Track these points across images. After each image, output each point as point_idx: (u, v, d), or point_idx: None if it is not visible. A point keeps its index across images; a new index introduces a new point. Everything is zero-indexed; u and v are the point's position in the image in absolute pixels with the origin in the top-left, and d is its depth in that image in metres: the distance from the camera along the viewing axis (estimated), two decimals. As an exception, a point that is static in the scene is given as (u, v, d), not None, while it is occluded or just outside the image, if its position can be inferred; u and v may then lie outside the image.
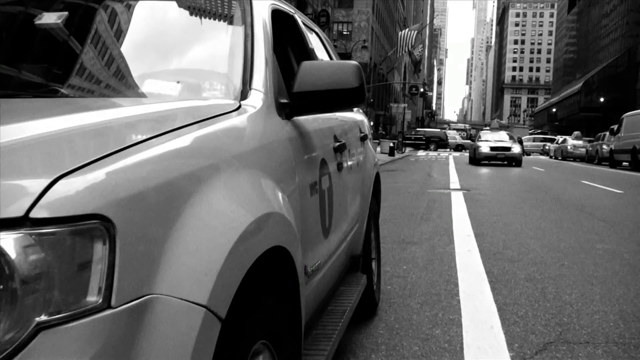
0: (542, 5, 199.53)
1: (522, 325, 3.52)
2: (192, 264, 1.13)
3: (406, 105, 60.74)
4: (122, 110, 1.56)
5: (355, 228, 3.11)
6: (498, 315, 3.67)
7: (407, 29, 63.07)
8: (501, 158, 25.70)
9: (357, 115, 3.64)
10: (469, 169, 21.97)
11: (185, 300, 1.09)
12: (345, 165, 2.76)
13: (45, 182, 0.95)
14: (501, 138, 27.74)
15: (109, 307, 0.97)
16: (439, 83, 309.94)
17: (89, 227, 0.96)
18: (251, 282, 1.37)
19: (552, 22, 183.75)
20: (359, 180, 3.26)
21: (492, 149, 25.87)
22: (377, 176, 3.88)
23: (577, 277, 4.81)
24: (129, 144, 1.17)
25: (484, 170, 20.96)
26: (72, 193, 0.96)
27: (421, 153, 43.41)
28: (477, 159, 26.02)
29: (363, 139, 3.57)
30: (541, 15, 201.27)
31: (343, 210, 2.67)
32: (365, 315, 3.59)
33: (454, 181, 15.28)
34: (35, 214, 0.91)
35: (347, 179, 2.83)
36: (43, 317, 0.91)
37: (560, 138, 40.78)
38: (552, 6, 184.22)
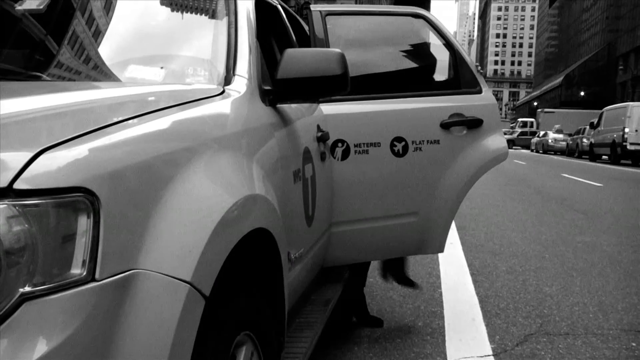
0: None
1: (503, 317, 3.54)
2: (176, 241, 1.13)
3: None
4: (105, 92, 1.55)
5: None
6: (480, 308, 3.70)
7: None
8: None
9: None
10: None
11: (169, 276, 1.09)
12: (328, 155, 2.75)
13: (28, 154, 0.94)
14: None
15: (93, 279, 0.97)
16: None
17: (73, 199, 0.96)
18: (235, 264, 1.37)
19: (533, 16, 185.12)
20: None
21: None
22: None
23: (558, 269, 4.86)
24: (112, 122, 1.16)
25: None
26: (55, 166, 0.96)
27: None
28: None
29: None
30: (523, 9, 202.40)
31: (327, 201, 2.66)
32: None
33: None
34: (19, 185, 0.91)
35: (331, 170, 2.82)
36: (27, 288, 0.91)
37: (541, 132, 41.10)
38: (534, 0, 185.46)
